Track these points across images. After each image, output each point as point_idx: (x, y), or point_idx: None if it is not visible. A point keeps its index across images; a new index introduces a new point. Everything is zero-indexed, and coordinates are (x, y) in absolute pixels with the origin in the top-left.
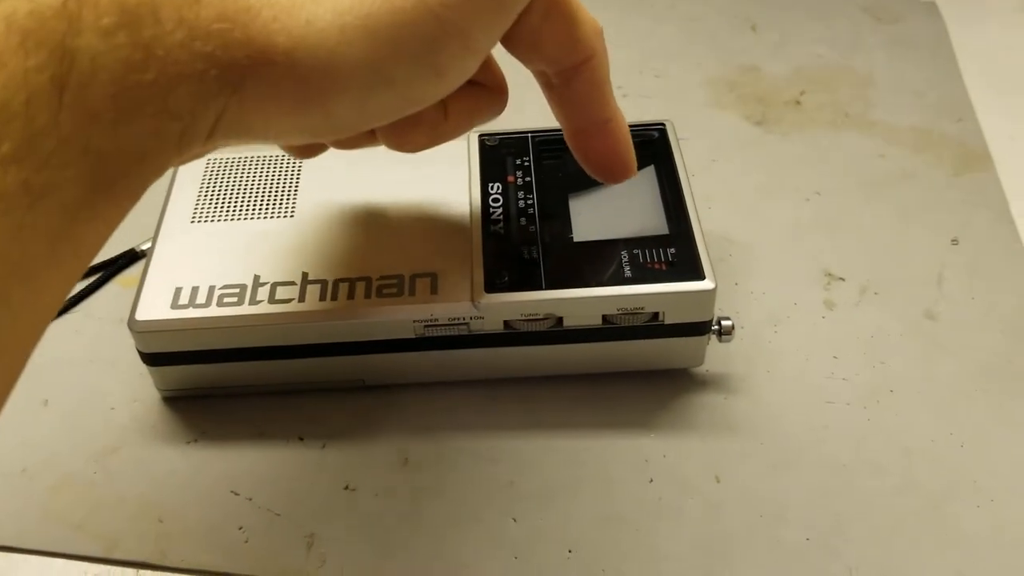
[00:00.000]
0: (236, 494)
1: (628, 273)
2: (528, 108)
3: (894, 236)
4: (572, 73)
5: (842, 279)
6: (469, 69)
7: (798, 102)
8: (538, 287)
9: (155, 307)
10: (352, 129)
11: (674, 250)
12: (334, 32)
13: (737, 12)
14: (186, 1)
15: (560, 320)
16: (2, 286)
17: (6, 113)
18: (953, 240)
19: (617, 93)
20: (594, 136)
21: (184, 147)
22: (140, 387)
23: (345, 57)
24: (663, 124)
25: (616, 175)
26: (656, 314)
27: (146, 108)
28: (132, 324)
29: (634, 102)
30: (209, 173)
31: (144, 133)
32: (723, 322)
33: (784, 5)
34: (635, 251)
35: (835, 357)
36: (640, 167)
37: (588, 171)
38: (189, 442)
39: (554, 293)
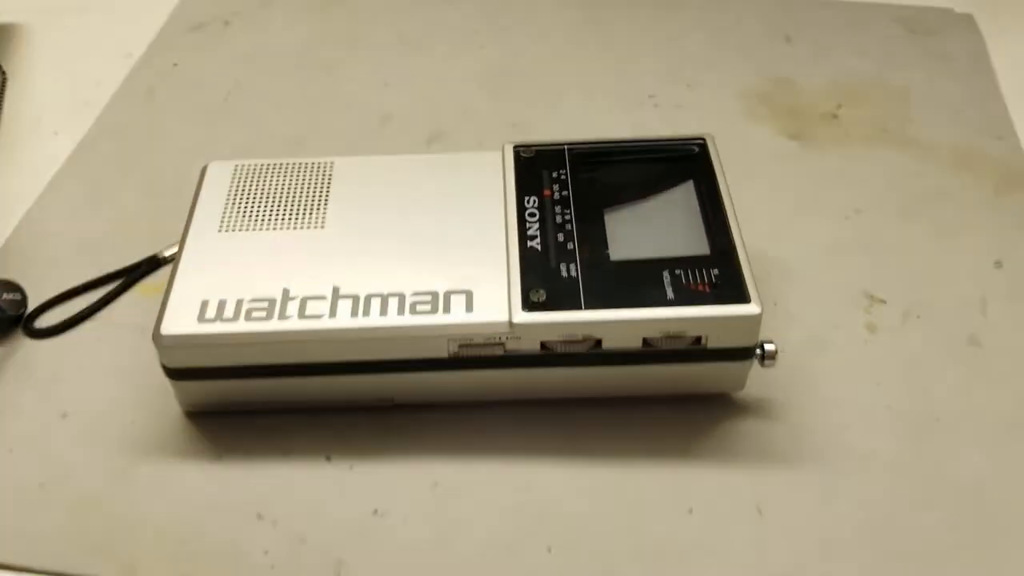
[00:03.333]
0: (261, 517)
1: (670, 295)
2: (559, 119)
3: (935, 257)
4: None
5: (883, 301)
6: None
7: (835, 116)
8: (577, 307)
9: (181, 320)
10: None
11: (717, 271)
12: None
13: (769, 22)
14: None
15: (599, 342)
16: None
17: None
18: (996, 263)
19: (648, 103)
20: None
21: None
22: (162, 401)
23: None
24: (703, 139)
25: None
26: (698, 338)
27: None
28: (157, 338)
29: (666, 112)
30: (237, 180)
31: None
32: (766, 346)
33: (817, 16)
34: (677, 271)
35: (878, 384)
36: (679, 182)
37: None
38: (212, 460)
39: (594, 314)
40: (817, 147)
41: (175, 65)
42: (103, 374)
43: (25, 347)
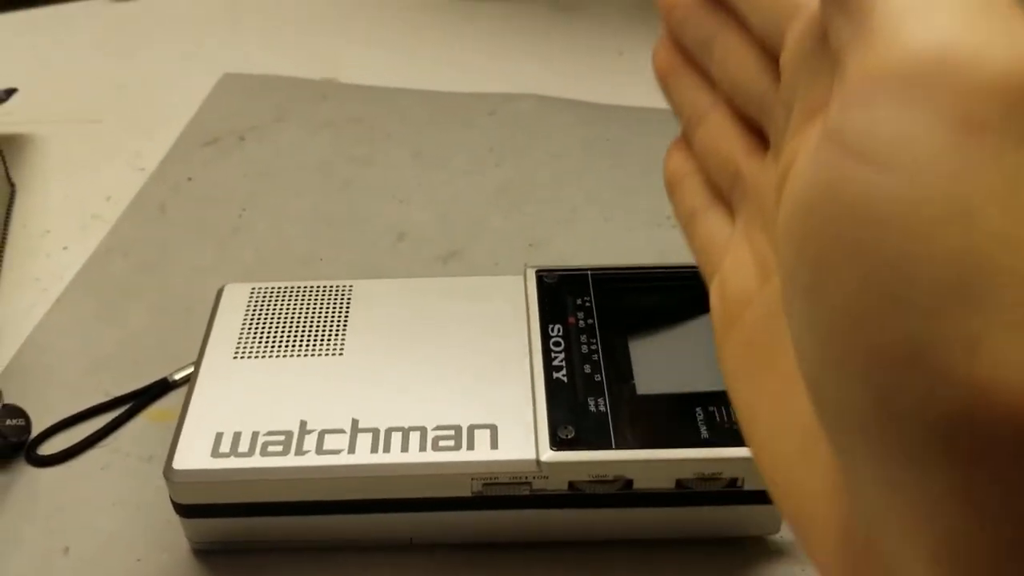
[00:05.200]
0: None
1: (704, 434)
2: (576, 238)
3: None
4: None
5: None
6: None
7: None
8: (607, 446)
9: (195, 455)
10: None
11: None
12: None
13: None
14: None
15: (629, 482)
16: None
17: None
18: None
19: (666, 223)
20: None
21: None
22: (169, 536)
23: None
24: None
25: None
26: (735, 480)
27: None
28: (169, 473)
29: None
30: (254, 303)
31: None
32: None
33: None
34: (710, 408)
35: None
36: (708, 311)
37: None
38: None
39: (625, 453)
40: None
41: (189, 180)
42: (108, 506)
43: (27, 475)
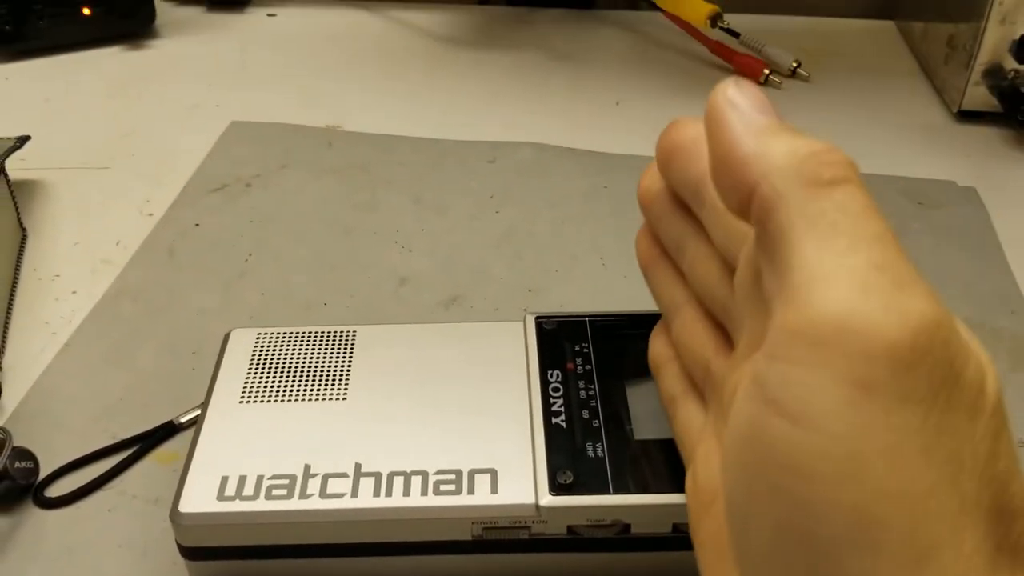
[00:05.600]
0: None
1: None
2: (575, 285)
3: None
4: None
5: None
6: None
7: None
8: (605, 491)
9: (200, 498)
10: None
11: None
12: None
13: None
14: None
15: (627, 526)
16: None
17: None
18: (1020, 441)
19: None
20: None
21: None
22: None
23: None
24: None
25: None
26: None
27: None
28: (175, 516)
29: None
30: (260, 348)
31: None
32: None
33: None
34: None
35: None
36: None
37: None
38: None
39: (623, 498)
40: None
41: (197, 225)
42: (114, 547)
43: (35, 517)
